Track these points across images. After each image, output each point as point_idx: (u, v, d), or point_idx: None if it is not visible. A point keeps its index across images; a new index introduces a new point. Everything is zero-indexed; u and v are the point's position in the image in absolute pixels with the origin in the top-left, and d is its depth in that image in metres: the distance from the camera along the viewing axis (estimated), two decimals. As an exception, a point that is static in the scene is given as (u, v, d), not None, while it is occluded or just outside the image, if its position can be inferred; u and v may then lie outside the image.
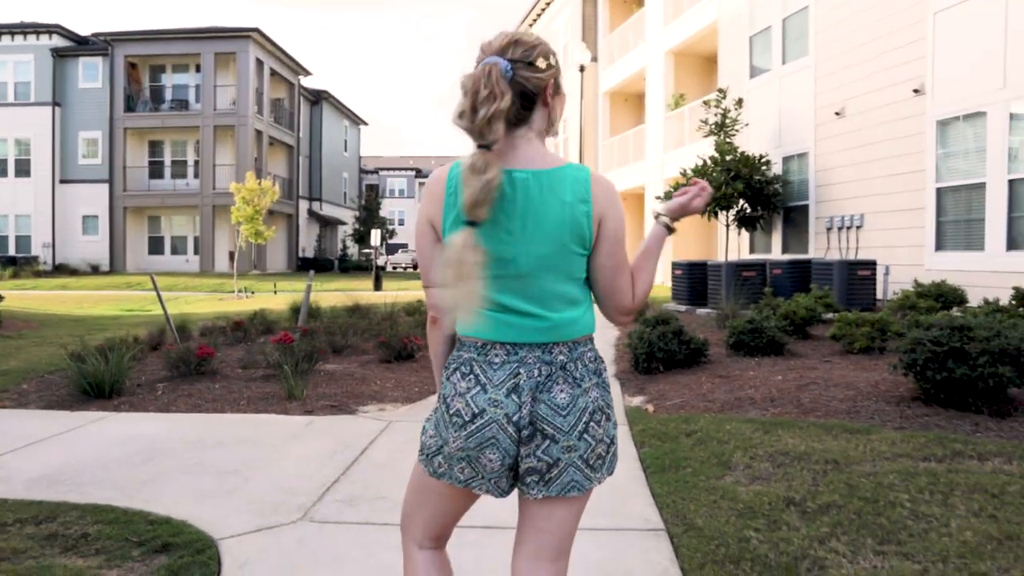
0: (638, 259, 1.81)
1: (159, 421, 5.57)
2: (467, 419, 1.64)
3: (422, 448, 1.79)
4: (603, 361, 1.77)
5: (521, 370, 1.64)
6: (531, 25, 32.65)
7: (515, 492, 1.77)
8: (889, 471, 3.68)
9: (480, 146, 1.57)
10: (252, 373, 7.28)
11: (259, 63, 33.97)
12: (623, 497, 3.83)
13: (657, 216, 1.87)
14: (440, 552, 1.88)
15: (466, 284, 1.53)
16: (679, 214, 1.89)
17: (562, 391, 1.65)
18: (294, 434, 5.16)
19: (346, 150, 48.82)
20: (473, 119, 1.56)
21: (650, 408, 5.72)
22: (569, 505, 1.71)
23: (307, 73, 39.45)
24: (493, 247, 1.61)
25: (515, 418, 1.63)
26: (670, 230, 1.88)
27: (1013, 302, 8.06)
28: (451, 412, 1.67)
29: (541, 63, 1.67)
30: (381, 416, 5.71)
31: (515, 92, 1.63)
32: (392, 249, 58.78)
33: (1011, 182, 9.62)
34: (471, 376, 1.66)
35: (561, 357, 1.67)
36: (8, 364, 8.35)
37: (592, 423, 1.67)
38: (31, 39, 32.93)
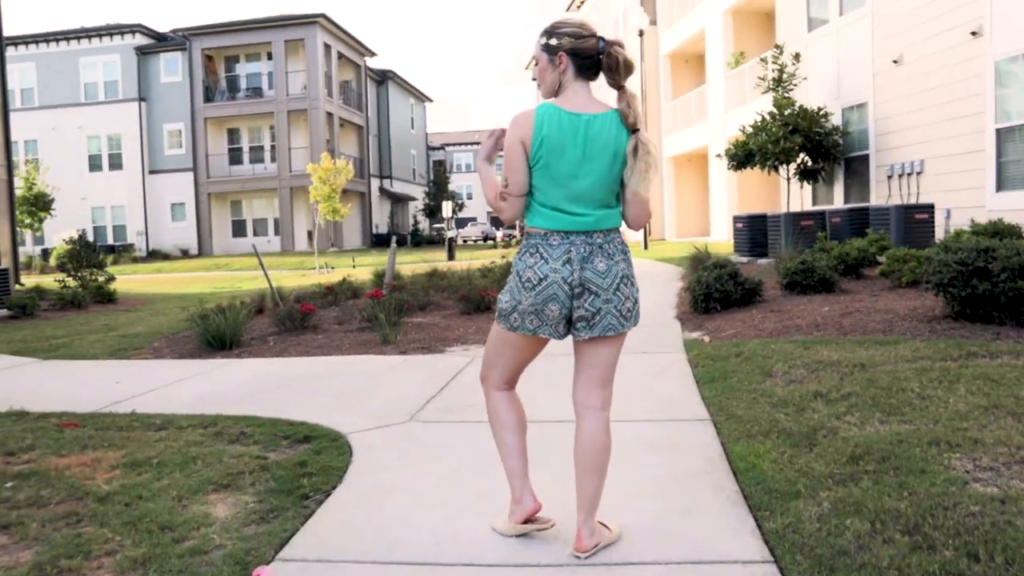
0: None
1: (277, 364, 6.50)
2: (535, 283, 2.40)
3: (500, 312, 2.54)
4: (627, 245, 2.51)
5: (571, 248, 2.39)
6: (589, -8, 32.78)
7: (569, 341, 2.54)
8: (907, 369, 4.24)
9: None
10: (348, 327, 8.19)
11: (327, 47, 35.19)
12: (677, 402, 4.51)
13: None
14: (512, 391, 2.68)
15: (656, 170, 2.41)
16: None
17: (601, 262, 2.40)
18: (393, 367, 6.00)
19: (413, 127, 49.97)
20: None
21: (706, 339, 6.35)
22: (609, 344, 2.47)
23: (372, 54, 40.54)
24: (565, 166, 2.37)
25: (569, 280, 2.37)
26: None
27: (1067, 235, 8.28)
28: (523, 280, 2.43)
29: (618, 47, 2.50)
30: (466, 354, 6.50)
31: (605, 59, 2.43)
32: (462, 223, 59.86)
33: (1069, 119, 9.71)
34: (537, 255, 2.42)
35: (599, 240, 2.42)
36: (136, 329, 9.52)
37: (622, 284, 2.42)
38: (116, 39, 34.94)
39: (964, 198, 11.44)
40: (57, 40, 35.05)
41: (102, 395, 5.38)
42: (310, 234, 32.92)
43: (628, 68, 2.39)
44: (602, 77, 2.45)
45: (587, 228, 2.40)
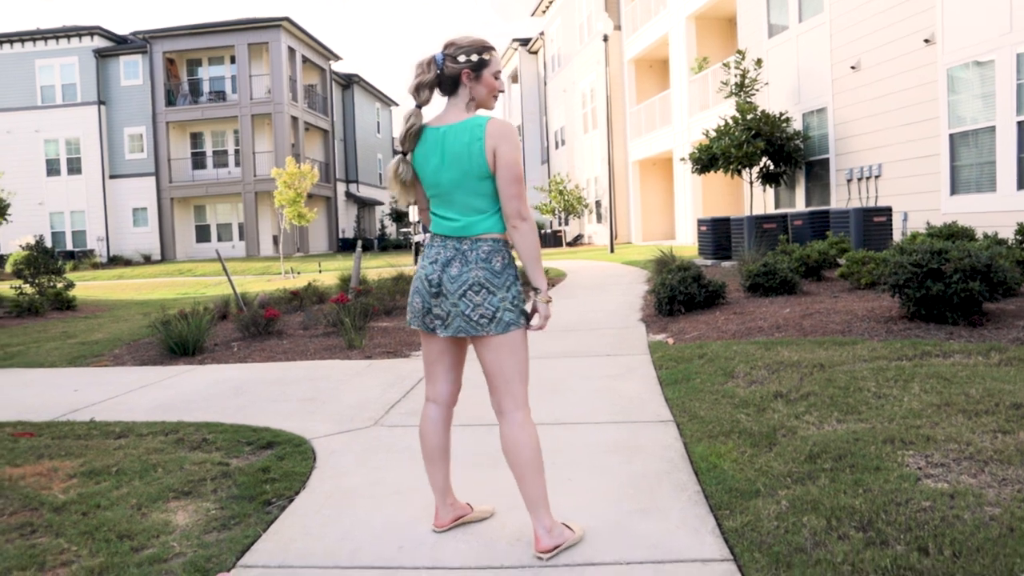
0: None
1: (240, 369, 6.43)
2: (416, 277, 2.62)
3: None
4: (501, 255, 2.51)
5: (441, 251, 2.54)
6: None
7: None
8: (864, 369, 4.34)
9: (417, 106, 2.54)
10: (313, 332, 8.13)
11: (291, 51, 34.86)
12: (640, 403, 4.54)
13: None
14: (441, 410, 2.74)
15: (406, 188, 2.61)
16: None
17: (455, 267, 2.49)
18: (358, 372, 5.97)
19: (379, 131, 49.70)
20: (410, 87, 2.53)
21: (670, 341, 6.41)
22: (488, 349, 2.51)
23: (337, 58, 40.26)
24: (430, 176, 2.53)
25: (430, 278, 2.53)
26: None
27: (1018, 237, 8.52)
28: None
29: (461, 58, 2.53)
30: (431, 358, 6.49)
31: (443, 74, 2.51)
32: (428, 227, 59.55)
33: (1020, 123, 10.00)
34: (422, 254, 2.62)
35: (464, 246, 2.50)
36: (96, 336, 9.35)
37: (470, 291, 2.46)
38: (74, 42, 34.20)
39: (920, 201, 11.71)
40: (11, 42, 34.20)
41: (59, 403, 5.28)
42: (275, 239, 32.59)
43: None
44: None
45: (454, 233, 2.52)
